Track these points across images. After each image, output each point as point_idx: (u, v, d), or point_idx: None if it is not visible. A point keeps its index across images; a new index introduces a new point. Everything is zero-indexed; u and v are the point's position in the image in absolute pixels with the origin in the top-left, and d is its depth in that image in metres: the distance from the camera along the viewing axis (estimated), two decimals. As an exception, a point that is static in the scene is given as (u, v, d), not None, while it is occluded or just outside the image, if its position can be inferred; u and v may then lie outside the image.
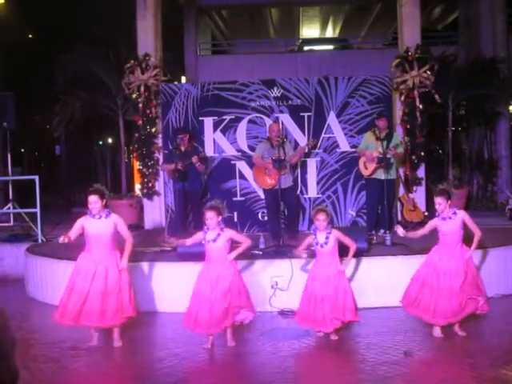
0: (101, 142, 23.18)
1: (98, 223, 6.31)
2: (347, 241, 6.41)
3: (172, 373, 5.58)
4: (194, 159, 9.22)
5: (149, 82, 11.23)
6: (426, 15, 21.20)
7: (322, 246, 6.31)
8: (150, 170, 11.38)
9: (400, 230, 6.46)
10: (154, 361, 5.87)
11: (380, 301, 7.38)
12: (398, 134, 10.26)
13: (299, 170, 10.47)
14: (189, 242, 6.40)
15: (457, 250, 6.29)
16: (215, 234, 6.18)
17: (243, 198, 10.85)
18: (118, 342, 6.38)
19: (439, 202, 6.27)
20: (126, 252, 6.37)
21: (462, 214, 6.32)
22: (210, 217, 6.17)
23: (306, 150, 9.98)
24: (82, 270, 6.29)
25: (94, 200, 6.31)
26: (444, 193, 6.30)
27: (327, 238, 6.30)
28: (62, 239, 6.17)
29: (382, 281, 7.50)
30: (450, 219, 6.27)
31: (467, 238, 6.38)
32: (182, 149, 9.60)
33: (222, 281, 6.08)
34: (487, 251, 7.88)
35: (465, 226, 6.33)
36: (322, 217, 6.27)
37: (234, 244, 6.34)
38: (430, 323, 6.34)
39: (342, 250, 6.43)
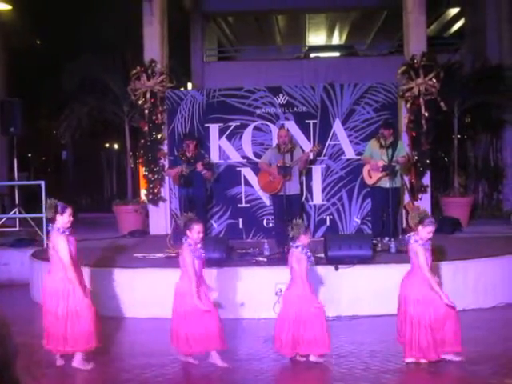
0: (107, 146, 23.28)
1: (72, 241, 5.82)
2: None
3: (174, 378, 5.61)
4: (199, 166, 9.20)
5: (155, 89, 11.26)
6: (431, 23, 21.26)
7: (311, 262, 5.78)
8: (156, 176, 11.39)
9: None
10: (153, 367, 5.88)
11: (384, 308, 7.36)
12: (403, 143, 10.24)
13: (304, 177, 10.48)
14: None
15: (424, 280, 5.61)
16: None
17: (248, 205, 10.87)
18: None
19: (432, 230, 5.68)
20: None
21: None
22: (202, 230, 5.64)
23: (311, 157, 9.97)
24: (55, 291, 5.70)
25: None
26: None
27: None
28: None
29: (387, 288, 7.47)
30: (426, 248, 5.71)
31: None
32: (188, 155, 9.60)
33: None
34: (492, 260, 7.87)
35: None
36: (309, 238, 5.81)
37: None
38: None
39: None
